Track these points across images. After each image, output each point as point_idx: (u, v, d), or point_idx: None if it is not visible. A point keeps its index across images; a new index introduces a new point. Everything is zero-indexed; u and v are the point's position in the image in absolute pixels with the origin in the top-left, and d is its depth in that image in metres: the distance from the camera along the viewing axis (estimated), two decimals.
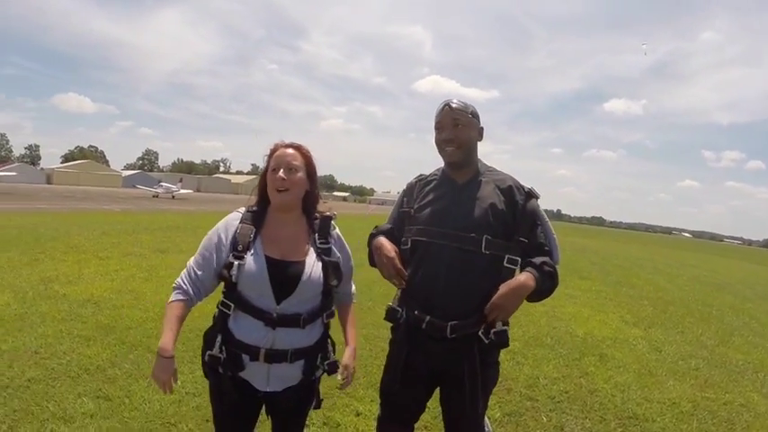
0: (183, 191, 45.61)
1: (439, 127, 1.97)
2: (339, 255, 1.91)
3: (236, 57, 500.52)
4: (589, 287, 10.18)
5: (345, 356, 1.93)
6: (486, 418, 2.08)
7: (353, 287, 2.08)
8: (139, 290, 6.21)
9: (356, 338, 2.01)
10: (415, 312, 1.92)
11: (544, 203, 2.01)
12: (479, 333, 1.83)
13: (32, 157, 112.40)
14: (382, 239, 2.03)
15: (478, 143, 2.01)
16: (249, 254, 1.72)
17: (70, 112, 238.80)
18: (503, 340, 1.85)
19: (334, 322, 1.97)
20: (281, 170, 1.76)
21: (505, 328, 1.85)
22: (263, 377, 1.77)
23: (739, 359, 5.87)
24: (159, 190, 44.23)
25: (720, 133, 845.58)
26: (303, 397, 1.88)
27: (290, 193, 1.80)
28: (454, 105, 1.94)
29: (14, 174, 47.27)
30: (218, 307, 1.81)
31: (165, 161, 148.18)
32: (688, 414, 3.95)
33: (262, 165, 1.87)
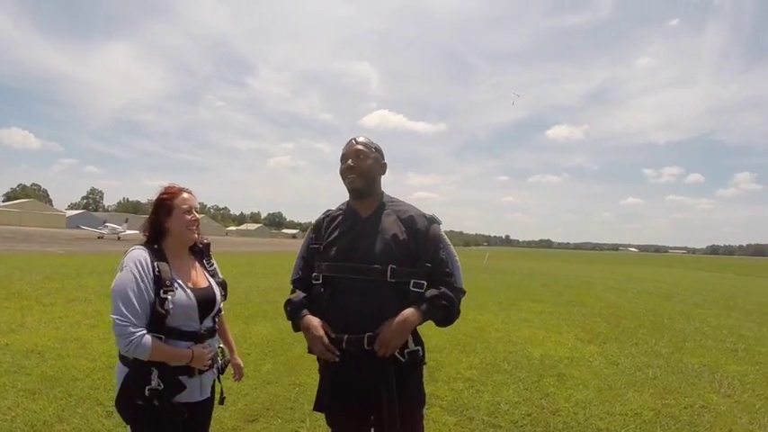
0: (128, 231, 43.50)
1: (343, 158, 2.17)
2: (221, 276, 2.24)
3: (183, 93, 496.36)
4: (542, 309, 10.38)
5: (237, 358, 2.38)
6: None
7: None
8: (85, 337, 5.88)
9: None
10: (334, 335, 2.00)
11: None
12: (396, 354, 1.97)
13: None
14: (309, 319, 2.07)
15: (382, 177, 2.22)
16: (176, 288, 1.93)
17: (13, 147, 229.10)
18: (416, 360, 2.04)
19: None
20: (195, 213, 2.08)
21: (418, 348, 2.04)
22: (197, 388, 2.02)
23: (695, 363, 6.12)
24: (104, 231, 42.61)
25: (659, 151, 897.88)
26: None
27: (198, 230, 2.11)
28: (359, 140, 2.18)
29: None
30: None
31: (110, 200, 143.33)
32: (651, 422, 4.05)
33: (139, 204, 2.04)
